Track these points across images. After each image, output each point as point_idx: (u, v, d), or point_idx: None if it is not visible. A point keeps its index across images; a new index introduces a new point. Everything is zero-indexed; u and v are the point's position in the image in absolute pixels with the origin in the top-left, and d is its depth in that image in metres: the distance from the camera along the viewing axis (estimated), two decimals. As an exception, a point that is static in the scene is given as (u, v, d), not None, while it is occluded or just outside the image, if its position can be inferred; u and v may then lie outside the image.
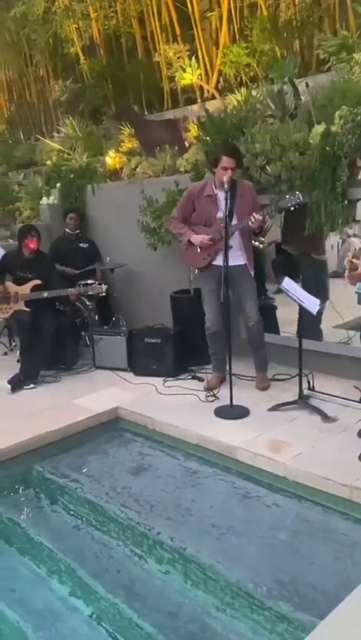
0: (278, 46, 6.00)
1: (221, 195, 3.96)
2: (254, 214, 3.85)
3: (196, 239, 4.13)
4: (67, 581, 2.56)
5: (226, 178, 3.83)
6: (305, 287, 3.83)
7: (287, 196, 3.87)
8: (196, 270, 4.34)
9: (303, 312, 3.77)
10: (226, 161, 3.91)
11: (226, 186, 3.82)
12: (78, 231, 5.94)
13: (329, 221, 4.01)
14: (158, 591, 2.47)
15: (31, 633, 2.25)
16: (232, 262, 3.99)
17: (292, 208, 3.82)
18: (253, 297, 4.20)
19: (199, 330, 4.65)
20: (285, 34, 6.06)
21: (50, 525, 3.04)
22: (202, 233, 4.13)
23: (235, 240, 4.04)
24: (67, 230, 5.93)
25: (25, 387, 4.69)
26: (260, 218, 3.86)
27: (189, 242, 4.18)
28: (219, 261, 4.05)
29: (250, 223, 3.88)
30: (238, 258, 4.08)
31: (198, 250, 4.15)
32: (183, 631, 2.23)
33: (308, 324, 4.06)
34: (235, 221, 3.97)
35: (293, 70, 4.86)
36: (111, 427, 4.10)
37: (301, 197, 3.80)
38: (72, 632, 2.26)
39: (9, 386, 4.63)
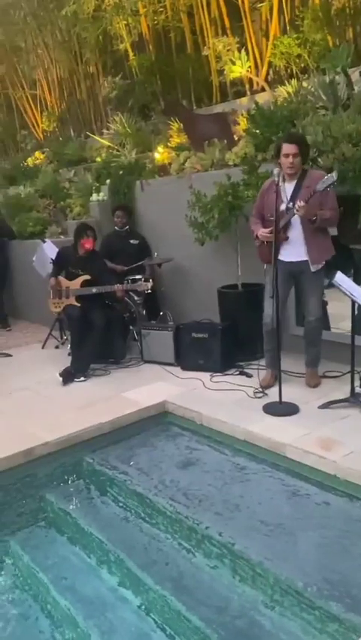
0: (330, 35, 5.85)
1: (287, 187, 3.85)
2: (298, 201, 3.71)
3: (260, 233, 4.03)
4: (116, 571, 2.60)
5: (289, 167, 3.76)
6: None
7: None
8: (265, 265, 4.18)
9: (358, 308, 3.67)
10: (285, 147, 3.80)
11: (275, 177, 3.73)
12: (127, 227, 5.99)
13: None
14: (206, 585, 2.47)
15: (82, 621, 2.29)
16: (293, 257, 3.90)
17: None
18: (315, 294, 4.05)
19: (247, 325, 4.63)
20: (338, 23, 5.91)
21: (99, 516, 3.09)
22: (270, 227, 3.96)
23: (296, 233, 3.89)
24: (116, 227, 5.99)
25: (75, 380, 4.79)
26: (302, 204, 3.68)
27: (258, 237, 4.09)
28: (284, 255, 3.94)
29: (295, 212, 3.74)
30: (299, 253, 3.93)
31: (265, 244, 4.03)
32: (231, 626, 2.22)
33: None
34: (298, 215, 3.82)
35: (346, 59, 4.75)
36: (159, 420, 4.13)
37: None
38: (122, 622, 2.29)
39: (60, 378, 4.74)
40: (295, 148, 3.79)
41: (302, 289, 4.13)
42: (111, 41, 8.50)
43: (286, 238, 3.89)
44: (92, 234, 5.09)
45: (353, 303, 3.65)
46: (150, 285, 5.08)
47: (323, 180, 3.67)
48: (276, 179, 3.74)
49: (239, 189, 4.69)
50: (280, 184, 3.85)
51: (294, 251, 3.92)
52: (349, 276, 3.80)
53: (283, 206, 3.90)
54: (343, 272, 3.72)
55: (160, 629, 2.25)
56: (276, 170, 3.76)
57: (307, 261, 3.95)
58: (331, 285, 3.89)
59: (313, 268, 3.96)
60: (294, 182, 3.88)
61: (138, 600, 2.41)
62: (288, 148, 3.80)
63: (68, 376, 4.77)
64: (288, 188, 3.89)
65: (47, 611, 2.42)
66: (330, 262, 4.07)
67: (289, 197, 3.85)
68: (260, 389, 4.18)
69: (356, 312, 3.74)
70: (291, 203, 3.81)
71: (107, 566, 2.65)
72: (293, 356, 4.37)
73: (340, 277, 3.67)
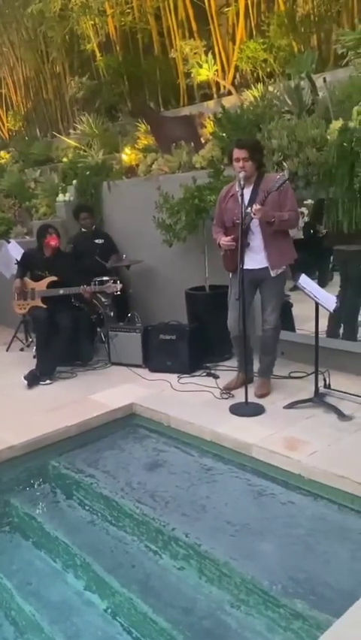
0: (295, 41, 5.95)
1: (245, 193, 3.80)
2: (254, 204, 3.70)
3: (220, 241, 4.00)
4: (82, 575, 2.58)
5: (239, 171, 3.75)
6: (352, 284, 3.70)
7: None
8: (230, 274, 4.13)
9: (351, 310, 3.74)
10: (235, 152, 3.80)
11: (241, 179, 3.73)
12: (94, 227, 5.95)
13: (347, 218, 3.98)
14: (173, 587, 2.47)
15: (47, 626, 2.26)
16: (255, 265, 3.88)
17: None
18: (273, 302, 4.02)
19: (214, 327, 4.65)
20: (302, 29, 6.01)
21: (65, 520, 3.05)
22: (230, 235, 3.95)
23: (256, 240, 3.87)
24: (83, 229, 5.93)
25: (41, 382, 4.73)
26: (258, 207, 3.68)
27: (220, 246, 4.04)
28: (246, 263, 3.85)
29: (252, 215, 3.73)
30: (260, 260, 3.91)
31: (228, 252, 4.00)
32: (198, 627, 2.23)
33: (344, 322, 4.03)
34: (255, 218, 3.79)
35: (311, 65, 4.84)
36: (126, 422, 4.12)
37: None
38: (88, 626, 2.27)
39: (25, 382, 4.67)
40: (244, 152, 3.77)
41: (262, 296, 4.10)
42: (78, 41, 8.43)
43: (248, 245, 3.86)
44: (54, 232, 5.04)
45: (317, 304, 3.71)
46: (118, 286, 5.02)
47: (276, 180, 3.69)
48: (242, 182, 3.75)
49: (204, 192, 4.71)
50: (238, 189, 3.84)
51: (256, 258, 3.90)
52: (313, 279, 3.87)
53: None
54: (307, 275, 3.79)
55: (126, 632, 2.23)
56: (242, 174, 3.78)
57: (267, 267, 3.92)
58: (295, 288, 3.95)
59: (273, 273, 3.93)
60: (251, 187, 3.86)
61: (104, 604, 2.39)
62: (237, 153, 3.79)
63: (33, 379, 4.70)
64: (246, 193, 3.83)
65: (12, 618, 2.37)
66: (293, 265, 4.13)
67: (247, 203, 3.82)
68: (225, 390, 4.21)
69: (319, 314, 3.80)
70: (249, 208, 3.77)
71: (73, 570, 2.62)
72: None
73: (304, 280, 3.73)
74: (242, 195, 3.75)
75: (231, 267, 4.04)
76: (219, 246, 4.09)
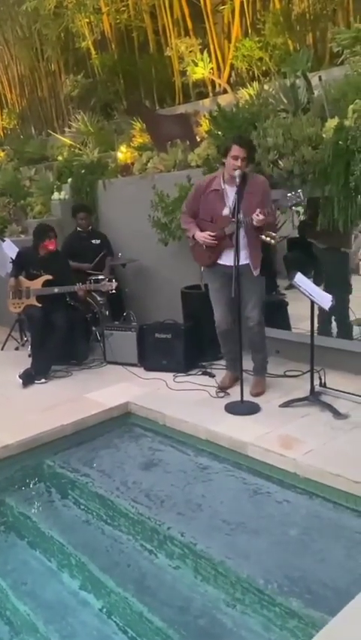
0: (291, 39, 5.95)
1: (229, 190, 3.81)
2: (257, 213, 3.67)
3: (199, 236, 3.97)
4: (77, 574, 2.58)
5: (235, 169, 3.72)
6: (329, 282, 3.73)
7: (288, 195, 3.72)
8: (202, 267, 4.20)
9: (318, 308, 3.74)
10: (235, 149, 3.75)
11: (237, 178, 3.71)
12: (90, 227, 5.92)
13: (342, 216, 3.98)
14: (168, 586, 2.47)
15: (42, 626, 2.26)
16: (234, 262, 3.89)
17: (293, 208, 3.70)
18: (254, 298, 4.01)
19: (210, 325, 4.64)
20: (298, 28, 6.00)
21: (60, 519, 3.05)
22: (208, 229, 3.94)
23: (240, 239, 3.84)
24: (79, 229, 5.89)
25: (36, 381, 4.71)
26: (262, 218, 3.66)
27: (194, 238, 4.03)
28: (224, 259, 3.91)
29: (254, 222, 3.71)
30: (241, 257, 3.86)
31: (204, 247, 4.00)
32: (193, 626, 2.23)
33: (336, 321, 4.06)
34: (240, 218, 3.77)
35: (306, 63, 4.83)
36: (122, 421, 4.11)
37: (302, 196, 3.66)
38: (83, 626, 2.27)
39: (20, 380, 4.65)
40: (245, 152, 3.75)
41: (243, 293, 4.03)
42: (73, 39, 8.39)
43: (235, 244, 3.84)
44: (53, 235, 5.02)
45: (312, 303, 3.71)
46: (113, 285, 5.00)
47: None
48: (237, 180, 3.74)
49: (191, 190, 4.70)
50: (223, 186, 3.84)
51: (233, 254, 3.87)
52: (309, 278, 3.88)
53: (225, 211, 3.86)
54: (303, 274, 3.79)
55: (122, 631, 2.23)
56: (237, 172, 3.76)
57: (247, 264, 3.91)
58: (290, 287, 3.95)
59: (255, 272, 3.95)
60: (235, 185, 3.81)
61: (99, 603, 2.39)
62: (238, 151, 3.75)
63: (28, 378, 4.69)
64: (230, 191, 3.83)
65: (6, 618, 2.37)
66: (289, 264, 4.13)
67: (231, 202, 3.79)
68: (221, 390, 4.21)
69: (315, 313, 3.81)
70: (241, 215, 3.73)
71: (69, 569, 2.62)
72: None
73: (299, 278, 3.74)
74: (238, 193, 3.76)
75: (206, 262, 4.06)
76: (189, 238, 4.08)
